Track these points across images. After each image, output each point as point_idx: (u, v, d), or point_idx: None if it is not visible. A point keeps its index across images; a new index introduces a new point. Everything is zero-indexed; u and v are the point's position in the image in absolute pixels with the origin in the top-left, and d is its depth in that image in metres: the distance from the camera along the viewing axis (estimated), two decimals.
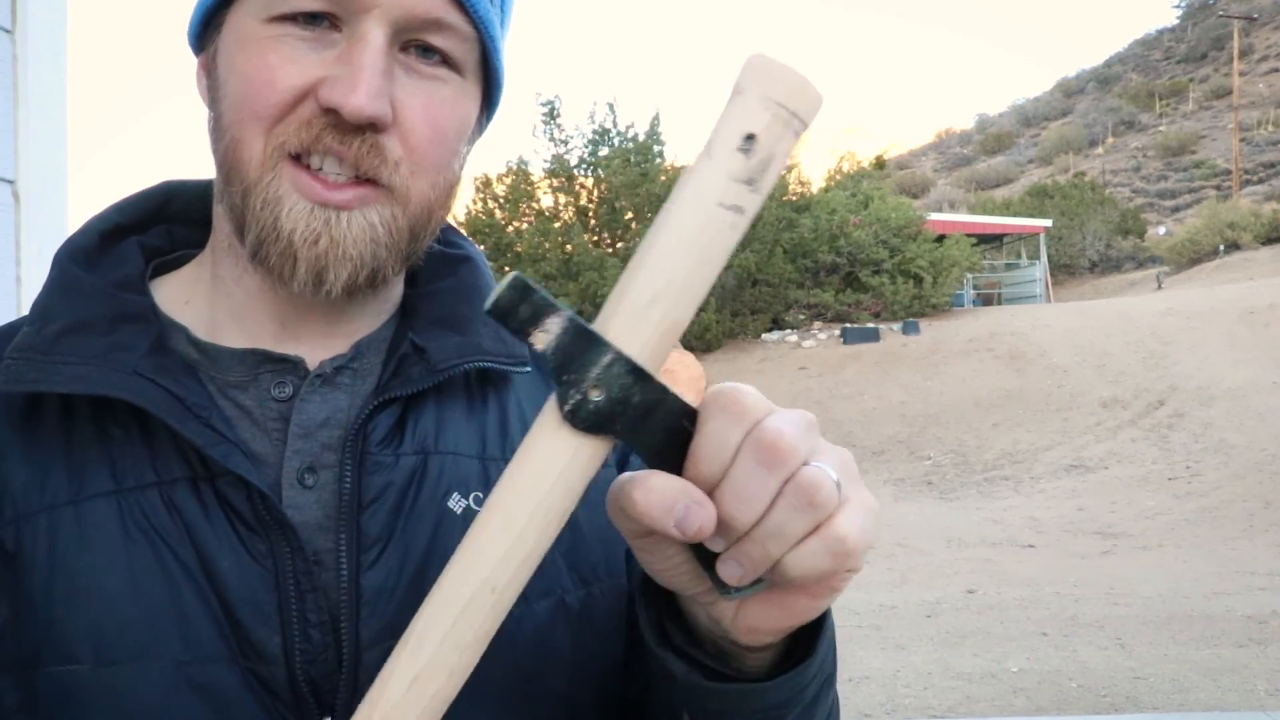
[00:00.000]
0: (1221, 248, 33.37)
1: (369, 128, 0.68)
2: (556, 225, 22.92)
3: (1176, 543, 9.16)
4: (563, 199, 23.97)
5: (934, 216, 29.69)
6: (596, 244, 23.22)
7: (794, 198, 24.34)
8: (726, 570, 0.55)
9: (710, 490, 0.53)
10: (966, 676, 5.70)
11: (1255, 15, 68.26)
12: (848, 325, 21.97)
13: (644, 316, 0.54)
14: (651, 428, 0.54)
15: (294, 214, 0.69)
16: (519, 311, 0.53)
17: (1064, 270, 38.74)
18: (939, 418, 15.50)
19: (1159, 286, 30.87)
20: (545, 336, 0.53)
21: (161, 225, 0.85)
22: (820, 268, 23.97)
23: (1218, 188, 52.09)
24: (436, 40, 0.70)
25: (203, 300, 0.78)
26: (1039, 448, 13.99)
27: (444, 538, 0.73)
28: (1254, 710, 5.01)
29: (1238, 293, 20.10)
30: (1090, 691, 5.40)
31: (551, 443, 0.54)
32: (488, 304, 0.53)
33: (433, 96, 0.71)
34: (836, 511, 0.54)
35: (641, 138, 23.93)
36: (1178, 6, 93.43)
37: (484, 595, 0.54)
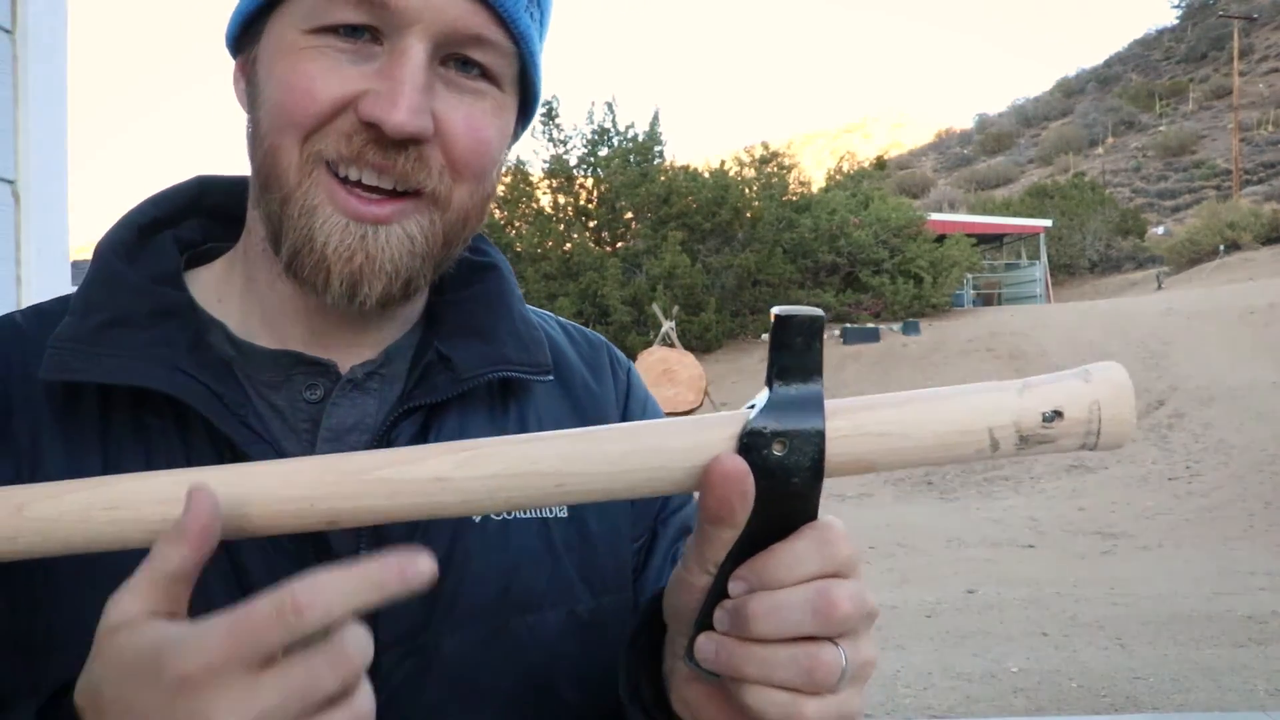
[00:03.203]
0: (1221, 248, 33.37)
1: (411, 142, 0.68)
2: (557, 226, 22.92)
3: (1176, 543, 9.16)
4: (562, 199, 23.96)
5: (934, 216, 29.70)
6: (597, 244, 23.21)
7: (794, 198, 24.34)
8: (702, 645, 0.58)
9: (759, 589, 0.57)
10: (966, 676, 5.70)
11: (1255, 15, 68.25)
12: (848, 325, 21.96)
13: (864, 439, 0.57)
14: (779, 508, 0.57)
15: (328, 226, 0.69)
16: (796, 341, 0.56)
17: (1064, 270, 38.74)
18: None
19: (1159, 286, 30.86)
20: (792, 371, 0.56)
21: (194, 219, 0.86)
22: (820, 268, 23.97)
23: (1218, 188, 52.09)
24: (476, 55, 0.71)
25: (235, 300, 0.79)
26: None
27: (462, 545, 0.74)
28: (1254, 710, 5.00)
29: (1238, 293, 20.10)
30: (1090, 691, 5.40)
31: (714, 442, 0.56)
32: (786, 311, 0.56)
33: (473, 109, 0.71)
34: (820, 696, 0.56)
35: (641, 138, 23.92)
36: (1177, 6, 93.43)
37: (547, 481, 0.56)
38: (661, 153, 23.91)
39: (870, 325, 21.71)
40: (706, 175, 23.85)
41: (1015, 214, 38.49)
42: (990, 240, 34.65)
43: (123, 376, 0.69)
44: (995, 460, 0.66)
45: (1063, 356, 17.10)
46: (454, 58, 0.71)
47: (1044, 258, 32.56)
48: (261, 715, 0.48)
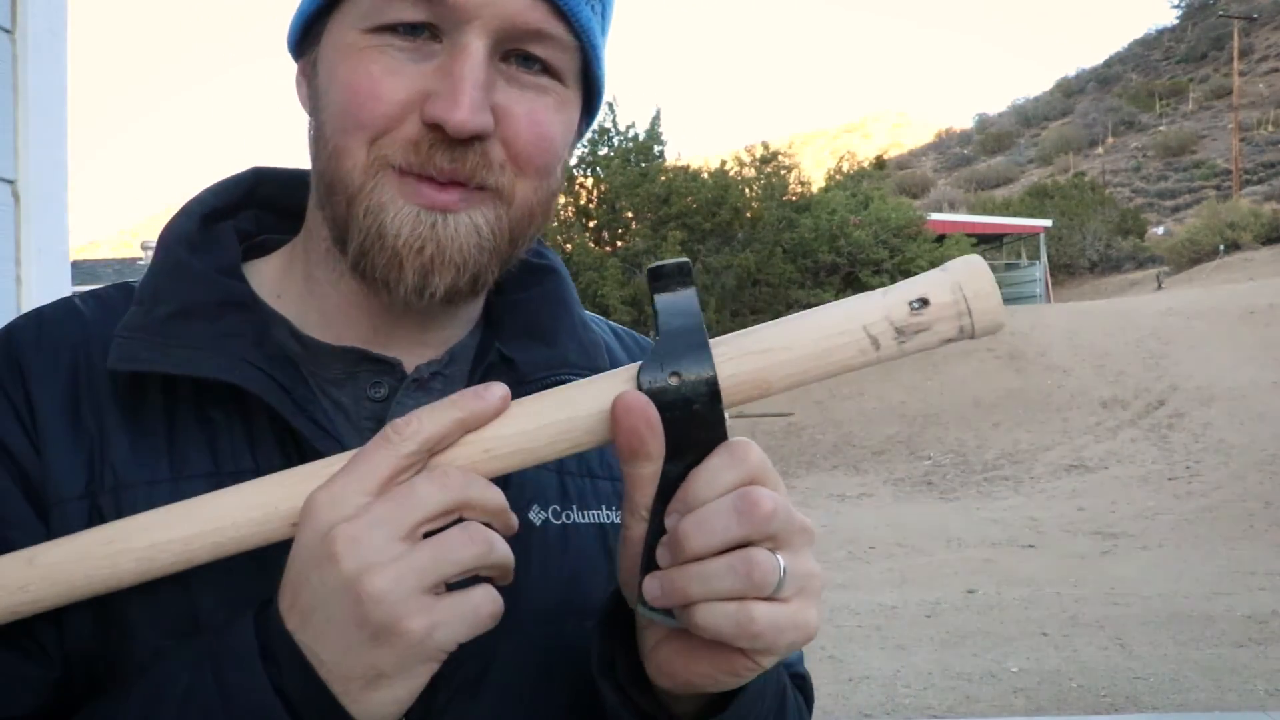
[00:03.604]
0: (1221, 248, 33.36)
1: (475, 139, 0.68)
2: (557, 226, 22.92)
3: (1176, 543, 9.16)
4: (562, 199, 23.96)
5: (934, 216, 29.70)
6: (597, 244, 23.22)
7: (794, 198, 24.34)
8: (648, 584, 0.60)
9: (688, 514, 0.58)
10: (966, 676, 5.70)
11: (1255, 15, 68.26)
12: None
13: (748, 358, 0.61)
14: (689, 437, 0.60)
15: (399, 218, 0.69)
16: (671, 280, 0.62)
17: (1064, 270, 38.73)
18: (939, 418, 15.50)
19: (1159, 286, 30.86)
20: (671, 304, 0.61)
21: (249, 210, 0.86)
22: (820, 268, 23.96)
23: (1218, 188, 52.08)
24: (538, 50, 0.70)
25: (294, 297, 0.79)
26: (1039, 448, 13.99)
27: (523, 550, 0.73)
28: (1254, 710, 5.00)
29: (1238, 293, 20.10)
30: (1090, 691, 5.40)
31: (615, 387, 0.61)
32: (657, 264, 0.62)
33: (535, 104, 0.71)
34: (767, 601, 0.58)
35: (642, 137, 23.92)
36: (1177, 6, 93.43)
37: (474, 449, 0.61)
38: (662, 153, 23.90)
39: None
40: (706, 175, 23.85)
41: (1015, 214, 38.48)
42: (990, 240, 34.64)
43: (191, 368, 0.70)
44: (884, 363, 0.63)
45: (1063, 356, 17.11)
46: (515, 53, 0.70)
47: (1044, 258, 32.55)
48: (408, 569, 0.56)
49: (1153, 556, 8.65)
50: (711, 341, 0.62)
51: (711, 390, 0.60)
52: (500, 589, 0.69)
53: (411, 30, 0.68)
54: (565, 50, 0.71)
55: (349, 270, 0.73)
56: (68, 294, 0.82)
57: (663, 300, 0.62)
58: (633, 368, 0.61)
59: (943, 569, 8.48)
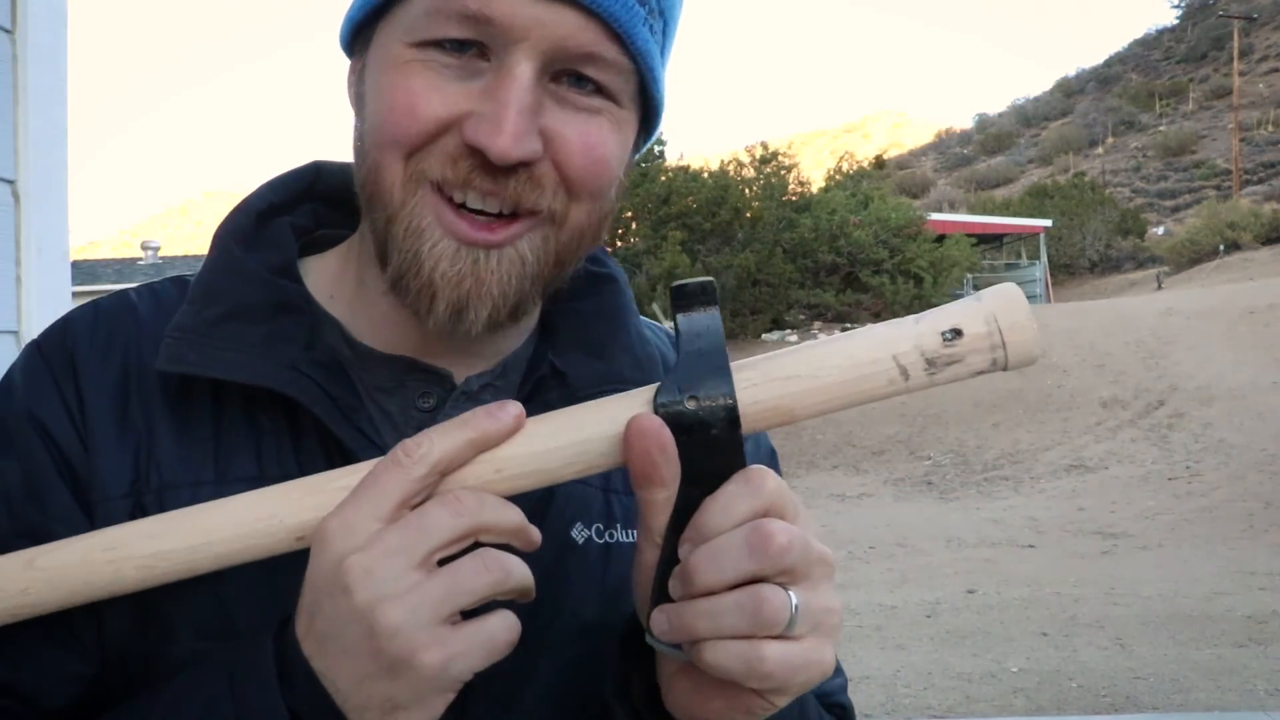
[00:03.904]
0: (1221, 248, 33.36)
1: (519, 165, 0.65)
2: None
3: (1176, 543, 9.16)
4: None
5: (934, 216, 29.71)
6: None
7: (794, 198, 24.34)
8: (656, 619, 0.58)
9: (700, 545, 0.57)
10: (966, 676, 5.70)
11: (1255, 15, 68.24)
12: (848, 325, 21.96)
13: (773, 384, 0.60)
14: (706, 463, 0.58)
15: (438, 250, 0.67)
16: (694, 300, 0.60)
17: (1064, 270, 38.73)
18: (939, 418, 15.49)
19: (1159, 286, 30.85)
20: (694, 326, 0.60)
21: (309, 204, 0.85)
22: (820, 268, 23.96)
23: (1218, 188, 52.08)
24: (590, 71, 0.67)
25: (346, 300, 0.78)
26: (1039, 448, 13.98)
27: (564, 567, 0.73)
28: (1254, 710, 5.00)
29: (1238, 293, 20.09)
30: (1090, 691, 5.40)
31: (632, 409, 0.59)
32: (681, 281, 0.61)
33: (588, 126, 0.68)
34: (778, 639, 0.56)
35: None
36: (1177, 6, 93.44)
37: (487, 469, 0.59)
38: (662, 153, 23.90)
39: (870, 325, 21.69)
40: (706, 175, 23.86)
41: (1015, 214, 38.50)
42: (990, 240, 34.65)
43: (237, 373, 0.69)
44: (912, 392, 0.60)
45: (1063, 356, 17.10)
46: (567, 73, 0.67)
47: (1044, 258, 32.56)
48: (423, 601, 0.55)
49: (1153, 556, 8.65)
50: (733, 365, 0.60)
51: (730, 416, 0.58)
52: (539, 607, 0.68)
53: (458, 46, 0.66)
54: (620, 73, 0.68)
55: (388, 289, 0.71)
56: (69, 291, 0.81)
57: (685, 321, 0.60)
58: (651, 389, 0.60)
59: (943, 569, 8.48)
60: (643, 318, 0.87)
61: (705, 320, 0.60)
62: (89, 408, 0.71)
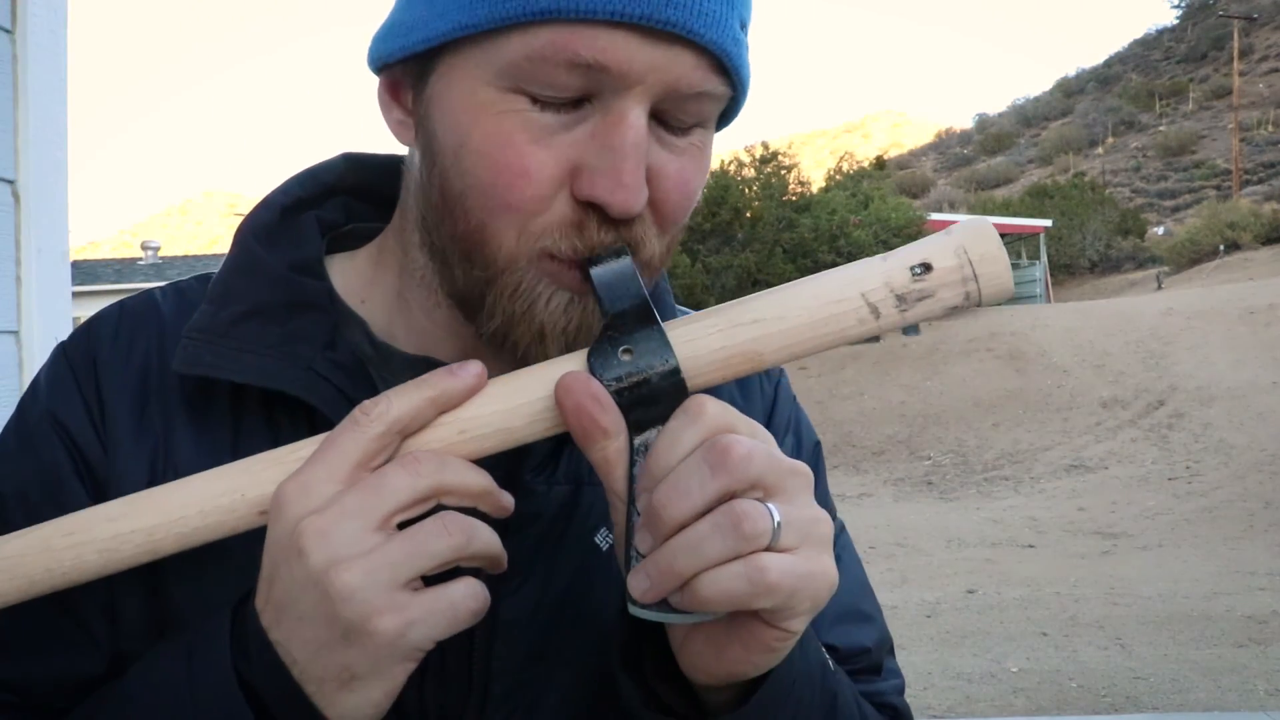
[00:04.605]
0: (1221, 248, 33.35)
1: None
2: None
3: (1176, 543, 9.16)
4: None
5: (934, 216, 29.69)
6: None
7: (794, 198, 24.34)
8: (634, 581, 0.54)
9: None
10: (966, 676, 5.70)
11: (1255, 15, 68.24)
12: None
13: (738, 329, 0.58)
14: (653, 414, 0.57)
15: (553, 305, 0.65)
16: (606, 255, 0.60)
17: (1064, 270, 38.72)
18: (939, 418, 15.49)
19: (1159, 286, 30.85)
20: (607, 276, 0.60)
21: (338, 198, 0.83)
22: (820, 268, 23.89)
23: (1218, 188, 52.08)
24: (694, 107, 0.64)
25: (381, 307, 0.76)
26: (1039, 448, 13.98)
27: (587, 574, 0.71)
28: (1254, 710, 5.00)
29: (1238, 293, 20.09)
30: (1090, 691, 5.40)
31: (560, 370, 0.58)
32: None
33: (683, 160, 0.65)
34: (772, 549, 0.52)
35: None
36: (1177, 6, 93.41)
37: (451, 431, 0.58)
38: None
39: None
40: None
41: (1015, 214, 38.43)
42: None
43: (254, 377, 0.68)
44: (884, 331, 0.57)
45: (1063, 356, 17.11)
46: (666, 112, 0.64)
47: (1044, 258, 32.53)
48: (379, 563, 0.53)
49: (1153, 556, 8.65)
50: (701, 313, 0.60)
51: (666, 362, 0.57)
52: (563, 612, 0.67)
53: (564, 97, 0.61)
54: (721, 101, 0.66)
55: (484, 340, 0.68)
56: (69, 291, 0.81)
57: (599, 272, 0.59)
58: (583, 350, 0.59)
59: (943, 569, 8.48)
60: (682, 308, 0.85)
61: (621, 270, 0.59)
62: (109, 409, 0.70)
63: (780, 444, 0.62)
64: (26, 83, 1.86)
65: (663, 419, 0.56)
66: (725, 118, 0.71)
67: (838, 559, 0.82)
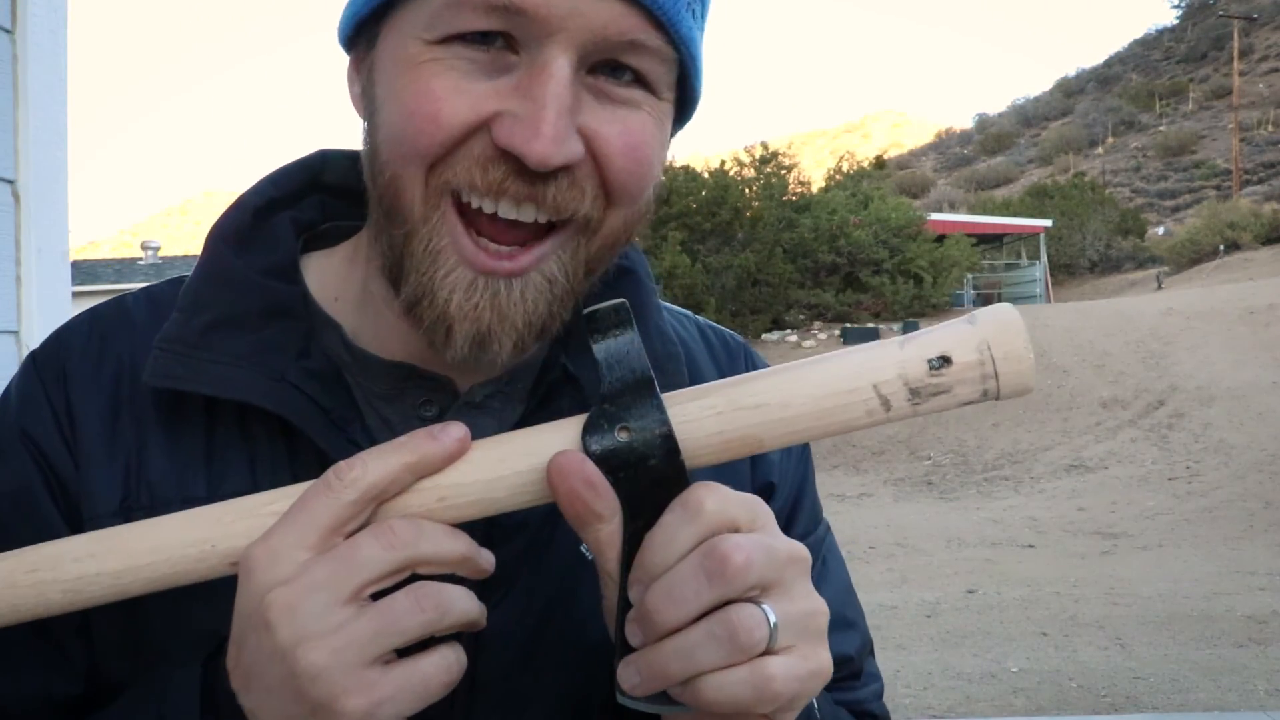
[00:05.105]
0: (1221, 248, 33.35)
1: (559, 169, 0.60)
2: None
3: (1176, 543, 9.16)
4: None
5: (934, 216, 29.71)
6: None
7: (794, 198, 24.35)
8: (623, 673, 0.54)
9: (650, 583, 0.53)
10: (966, 676, 5.70)
11: (1255, 15, 68.24)
12: (848, 325, 21.97)
13: (739, 414, 0.55)
14: (650, 497, 0.54)
15: (452, 280, 0.62)
16: (608, 326, 0.56)
17: (1064, 270, 38.72)
18: (939, 418, 15.49)
19: (1159, 286, 30.85)
20: (612, 352, 0.55)
21: (315, 195, 0.80)
22: (820, 268, 23.96)
23: (1218, 188, 52.09)
24: (630, 60, 0.61)
25: (350, 305, 0.74)
26: (1039, 448, 13.98)
27: (573, 584, 0.70)
28: (1254, 710, 5.00)
29: (1238, 293, 20.08)
30: (1090, 691, 5.40)
31: (551, 443, 0.55)
32: (592, 308, 0.56)
33: (629, 123, 0.62)
34: (773, 654, 0.52)
35: None
36: (1177, 6, 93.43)
37: (429, 496, 0.56)
38: None
39: (870, 325, 21.71)
40: (706, 175, 23.86)
41: (1015, 214, 38.46)
42: (990, 240, 34.64)
43: (225, 389, 0.66)
44: (894, 422, 0.61)
45: (1063, 356, 17.10)
46: (604, 64, 0.61)
47: (1044, 258, 32.55)
48: (347, 642, 0.51)
49: (1153, 556, 8.65)
50: (700, 389, 0.56)
51: (667, 444, 0.54)
52: (548, 622, 0.66)
53: (484, 38, 0.59)
54: (663, 61, 0.62)
55: (402, 313, 0.66)
56: (69, 291, 0.80)
57: (602, 349, 0.55)
58: (577, 420, 0.56)
59: (942, 569, 8.48)
60: (669, 306, 0.83)
61: (624, 345, 0.55)
62: (79, 423, 0.68)
63: None
64: (26, 83, 1.86)
65: (659, 503, 0.54)
66: (687, 101, 0.69)
67: (822, 563, 0.83)
